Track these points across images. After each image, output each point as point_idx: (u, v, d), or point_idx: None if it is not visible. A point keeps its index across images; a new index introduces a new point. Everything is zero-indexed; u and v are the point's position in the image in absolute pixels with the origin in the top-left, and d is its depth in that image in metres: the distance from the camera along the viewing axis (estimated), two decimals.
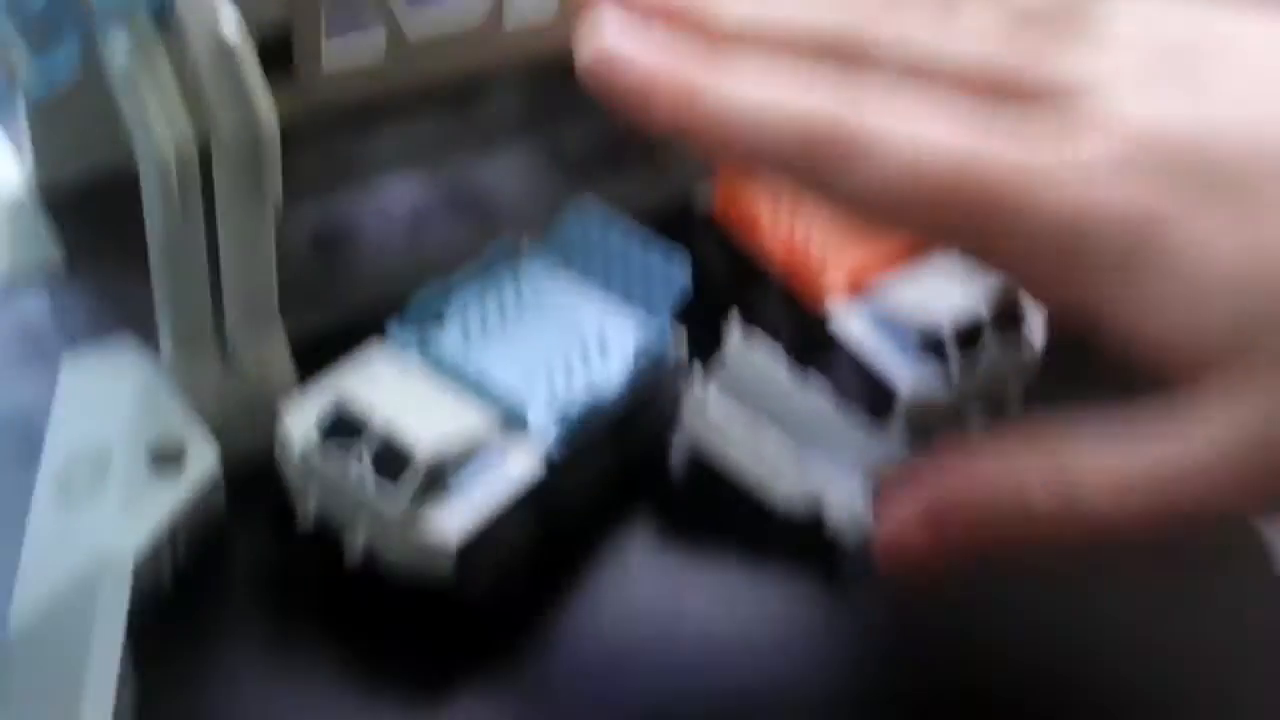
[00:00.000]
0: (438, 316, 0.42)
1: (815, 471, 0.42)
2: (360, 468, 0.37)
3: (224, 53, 0.36)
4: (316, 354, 0.41)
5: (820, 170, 0.33)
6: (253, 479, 0.40)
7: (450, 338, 0.41)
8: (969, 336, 0.43)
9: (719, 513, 0.43)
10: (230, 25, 0.36)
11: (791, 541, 0.42)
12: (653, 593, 0.41)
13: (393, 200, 0.49)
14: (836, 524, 0.41)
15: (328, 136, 0.50)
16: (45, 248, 0.45)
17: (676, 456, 0.43)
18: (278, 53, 0.49)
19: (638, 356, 0.41)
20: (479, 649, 0.38)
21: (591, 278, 0.44)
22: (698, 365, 0.43)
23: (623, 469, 0.42)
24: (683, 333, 0.43)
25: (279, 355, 0.41)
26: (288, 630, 0.38)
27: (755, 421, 0.42)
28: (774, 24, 0.34)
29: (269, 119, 0.37)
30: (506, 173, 0.51)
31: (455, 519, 0.37)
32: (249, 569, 0.39)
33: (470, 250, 0.45)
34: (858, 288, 0.45)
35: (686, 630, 0.40)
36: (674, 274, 0.43)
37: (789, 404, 0.43)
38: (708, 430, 0.42)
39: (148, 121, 0.35)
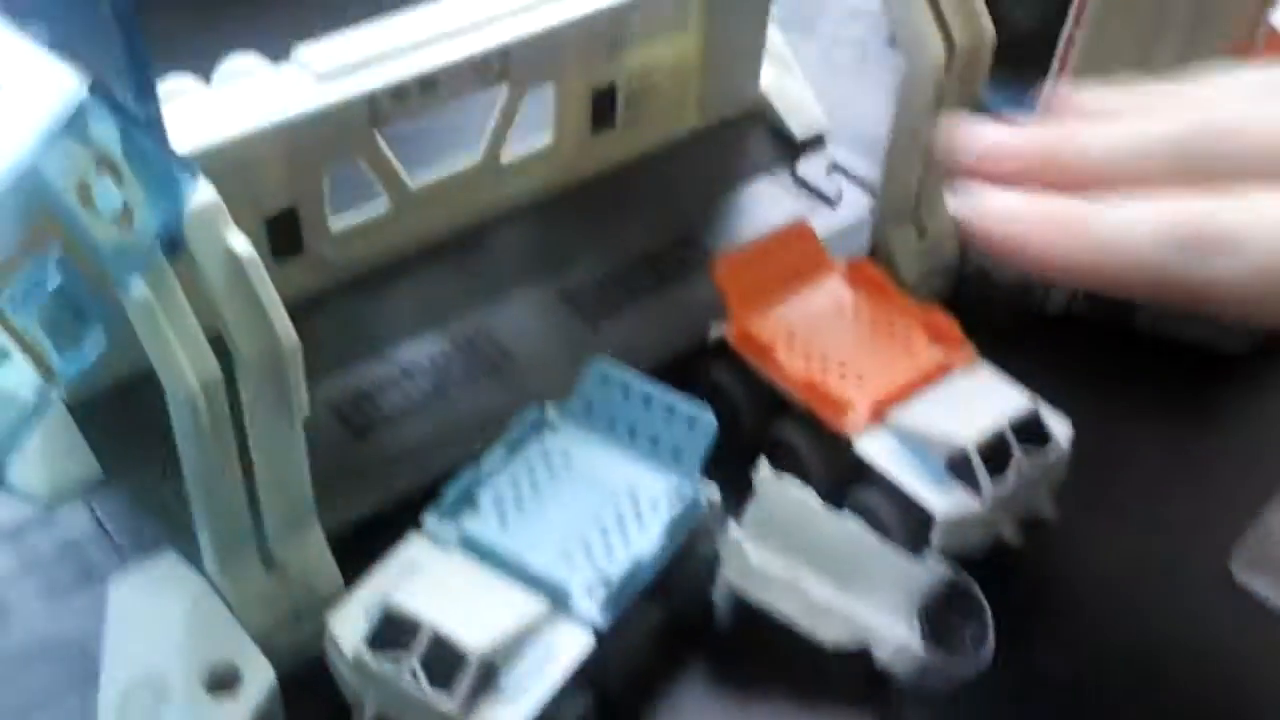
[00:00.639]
0: (471, 502, 0.42)
1: (859, 608, 0.42)
2: (414, 673, 0.37)
3: (237, 275, 0.37)
4: (356, 543, 0.42)
5: (1190, 270, 0.35)
6: (308, 685, 0.40)
7: (486, 523, 0.42)
8: (996, 452, 0.44)
9: (768, 661, 0.43)
10: (241, 245, 0.37)
11: (845, 685, 0.42)
12: None
13: (412, 365, 0.50)
14: (887, 662, 0.42)
15: (341, 308, 0.51)
16: (83, 462, 0.45)
17: (720, 607, 0.44)
18: (286, 232, 0.49)
19: (673, 515, 0.42)
20: None
21: (617, 436, 0.44)
22: (731, 511, 0.44)
23: (669, 625, 0.42)
24: (713, 484, 0.43)
25: (321, 557, 0.41)
26: None
27: (793, 562, 0.43)
28: (1132, 143, 0.38)
29: (288, 334, 0.37)
30: (520, 319, 0.52)
31: (511, 709, 0.37)
32: None
33: (494, 406, 0.46)
34: (880, 415, 0.45)
35: None
36: (700, 424, 0.43)
37: (825, 539, 0.43)
38: (747, 577, 0.43)
39: (170, 357, 0.36)
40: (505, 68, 0.51)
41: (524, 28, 0.51)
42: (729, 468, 0.44)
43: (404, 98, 0.49)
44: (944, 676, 0.42)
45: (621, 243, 0.54)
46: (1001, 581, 0.44)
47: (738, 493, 0.44)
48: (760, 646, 0.43)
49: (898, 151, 0.52)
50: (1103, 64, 0.48)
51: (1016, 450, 0.44)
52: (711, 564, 0.43)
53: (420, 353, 0.50)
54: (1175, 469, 0.51)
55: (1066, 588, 0.46)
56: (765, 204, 0.57)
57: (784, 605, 0.42)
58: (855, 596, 0.43)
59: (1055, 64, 0.51)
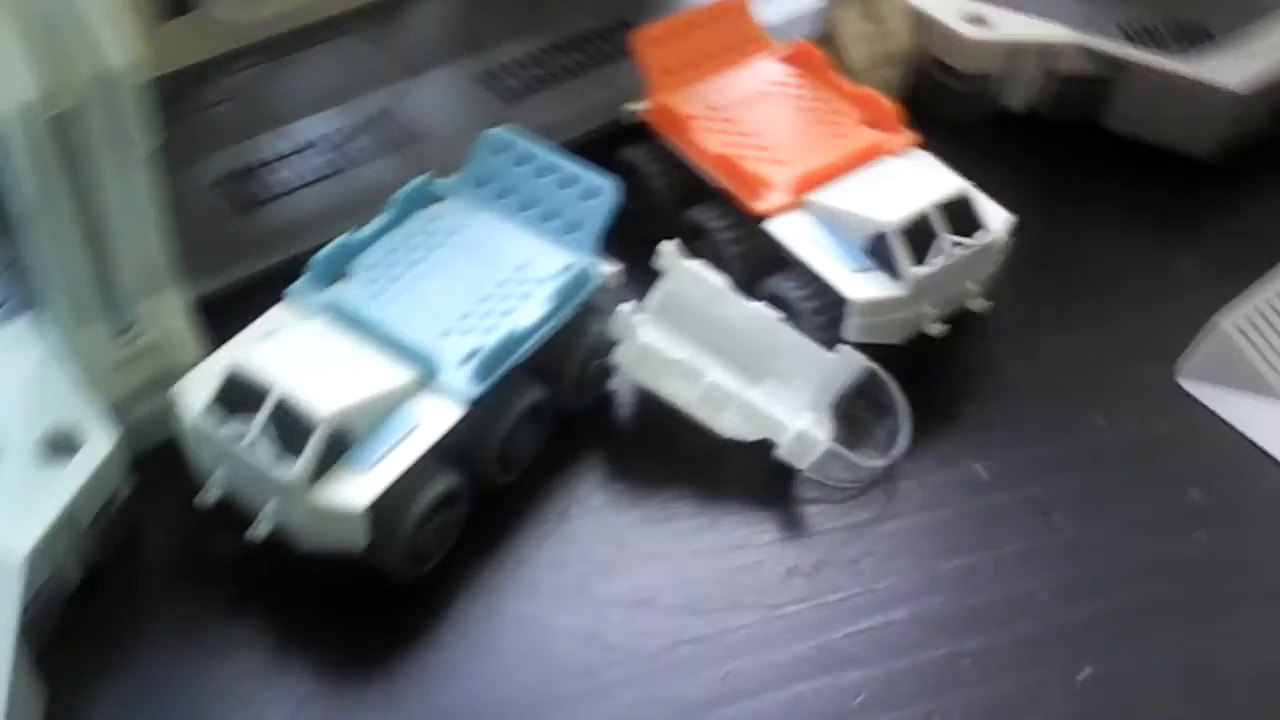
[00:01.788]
0: (343, 272, 0.39)
1: (764, 399, 0.39)
2: (259, 437, 0.34)
3: None
4: (233, 317, 0.39)
5: None
6: (161, 457, 0.37)
7: (355, 292, 0.38)
8: (920, 235, 0.40)
9: (667, 455, 0.40)
10: None
11: (746, 481, 0.39)
12: (594, 548, 0.38)
13: (308, 142, 0.46)
14: (789, 453, 0.39)
15: (236, 78, 0.47)
16: None
17: (619, 397, 0.41)
18: None
19: (560, 285, 0.38)
20: (398, 621, 0.36)
21: (511, 209, 0.41)
22: (633, 292, 0.40)
23: (560, 412, 0.39)
24: (614, 261, 0.40)
25: (180, 325, 0.38)
26: (202, 614, 0.36)
27: (696, 348, 0.40)
28: None
29: (124, 59, 0.34)
30: (431, 100, 0.48)
31: (362, 481, 0.35)
32: (159, 553, 0.37)
33: (394, 186, 0.43)
34: (800, 197, 0.42)
35: (625, 589, 0.37)
36: (600, 194, 0.40)
37: (732, 325, 0.40)
38: (642, 361, 0.39)
39: None
40: None
41: None
42: (641, 256, 0.41)
43: None
44: (850, 473, 0.40)
45: (548, 24, 0.51)
46: (923, 378, 0.41)
47: (649, 282, 0.41)
48: (659, 440, 0.40)
49: None
50: None
51: (943, 234, 0.40)
52: (607, 348, 0.40)
53: (319, 129, 0.47)
54: (1129, 273, 0.47)
55: (994, 389, 0.43)
56: None
57: (681, 393, 0.39)
58: (761, 387, 0.40)
59: None
